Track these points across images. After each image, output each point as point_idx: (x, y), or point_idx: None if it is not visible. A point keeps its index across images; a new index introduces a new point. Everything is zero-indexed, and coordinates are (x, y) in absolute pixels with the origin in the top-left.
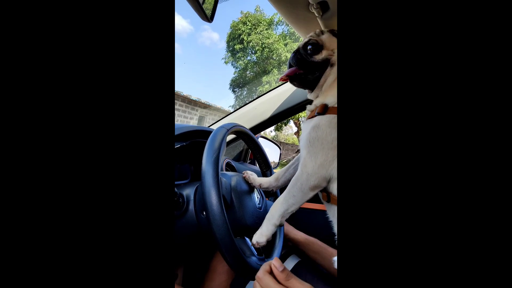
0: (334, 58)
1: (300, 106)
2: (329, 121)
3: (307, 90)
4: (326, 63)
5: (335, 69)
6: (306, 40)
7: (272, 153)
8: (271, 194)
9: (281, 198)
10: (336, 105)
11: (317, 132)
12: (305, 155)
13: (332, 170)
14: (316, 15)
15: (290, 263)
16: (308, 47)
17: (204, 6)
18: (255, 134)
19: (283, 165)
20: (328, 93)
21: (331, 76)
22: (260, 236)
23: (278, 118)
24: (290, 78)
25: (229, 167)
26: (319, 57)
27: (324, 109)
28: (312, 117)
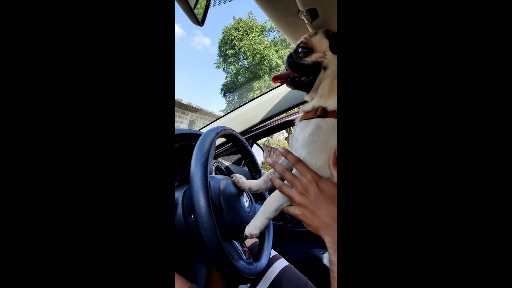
0: (327, 61)
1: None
2: (332, 126)
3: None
4: (317, 65)
5: (328, 72)
6: (298, 42)
7: (256, 155)
8: (260, 198)
9: (276, 193)
10: (336, 109)
11: (319, 135)
12: (305, 155)
13: (331, 172)
14: (306, 22)
15: (278, 266)
16: (299, 50)
17: (195, 10)
18: (247, 140)
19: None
20: (327, 97)
21: (326, 80)
22: (254, 228)
23: (269, 125)
24: (286, 80)
25: (219, 171)
26: (309, 59)
27: (323, 113)
28: (310, 118)
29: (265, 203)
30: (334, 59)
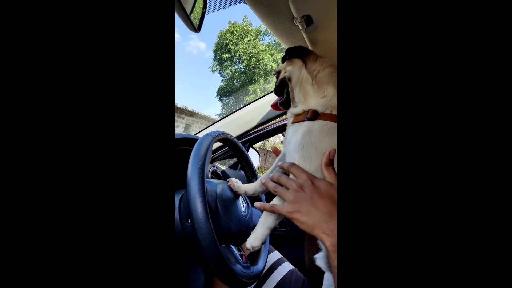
0: (288, 74)
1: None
2: (322, 128)
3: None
4: (284, 81)
5: (293, 81)
6: None
7: (253, 158)
8: (257, 201)
9: (275, 201)
10: (326, 111)
11: (310, 138)
12: (299, 159)
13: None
14: (300, 28)
15: (283, 269)
16: (275, 75)
17: (191, 16)
18: (244, 144)
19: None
20: (310, 100)
21: (296, 88)
22: (255, 240)
23: (265, 128)
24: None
25: (215, 175)
26: (278, 80)
27: (314, 115)
28: (301, 121)
29: (264, 212)
30: (293, 69)
